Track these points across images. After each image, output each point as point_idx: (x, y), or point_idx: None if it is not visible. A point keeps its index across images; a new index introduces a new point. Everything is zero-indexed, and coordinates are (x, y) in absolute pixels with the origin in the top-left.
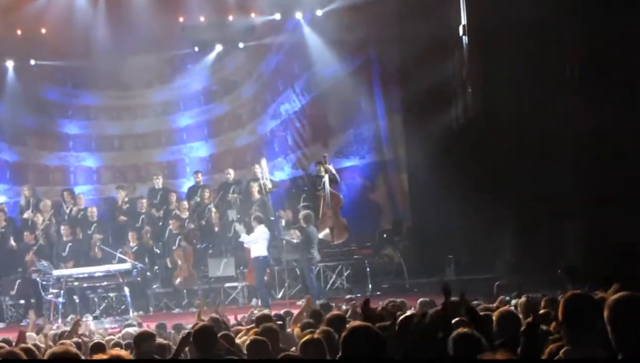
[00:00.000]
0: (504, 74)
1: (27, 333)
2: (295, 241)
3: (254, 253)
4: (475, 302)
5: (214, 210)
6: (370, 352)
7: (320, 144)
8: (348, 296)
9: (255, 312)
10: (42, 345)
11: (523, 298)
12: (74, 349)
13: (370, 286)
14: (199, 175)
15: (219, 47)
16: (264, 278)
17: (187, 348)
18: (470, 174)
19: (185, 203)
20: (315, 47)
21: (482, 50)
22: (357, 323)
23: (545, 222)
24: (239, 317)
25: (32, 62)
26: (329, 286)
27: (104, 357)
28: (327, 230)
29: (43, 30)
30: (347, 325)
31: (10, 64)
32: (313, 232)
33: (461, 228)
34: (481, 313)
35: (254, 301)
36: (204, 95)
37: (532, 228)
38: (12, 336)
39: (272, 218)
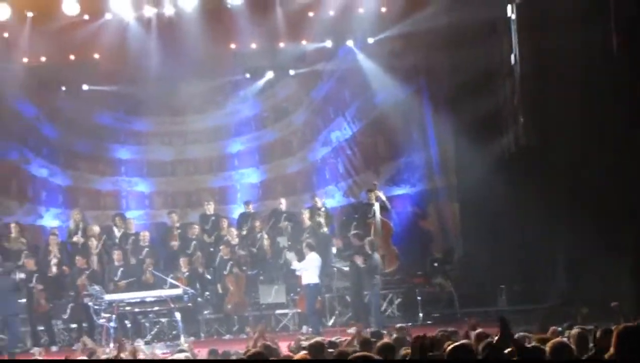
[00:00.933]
0: (556, 102)
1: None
2: (346, 269)
3: (305, 280)
4: (523, 333)
5: (265, 237)
6: None
7: (371, 171)
8: (399, 325)
9: (303, 338)
10: None
11: (575, 330)
12: None
13: (420, 315)
14: (250, 205)
15: (270, 74)
16: (315, 306)
17: None
18: (522, 203)
19: (234, 230)
20: (366, 74)
21: (533, 79)
22: (359, 354)
23: (600, 253)
24: (292, 343)
25: (85, 87)
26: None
27: None
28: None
29: (96, 56)
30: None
31: (63, 89)
32: (378, 259)
33: (513, 257)
34: (533, 344)
35: (304, 328)
36: (255, 121)
37: (586, 258)
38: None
39: (332, 249)
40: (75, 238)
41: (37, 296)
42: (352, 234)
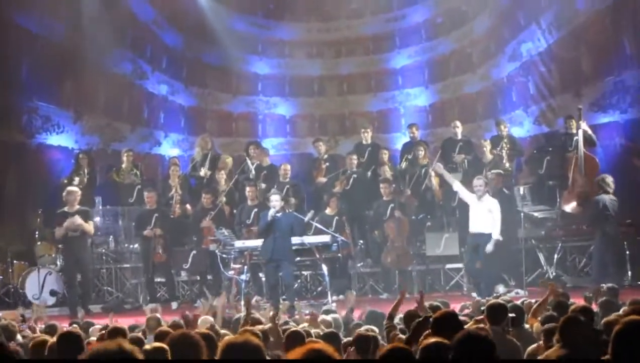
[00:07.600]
0: None
1: (203, 317)
2: (536, 214)
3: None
4: None
5: (432, 174)
6: None
7: (571, 93)
8: (606, 285)
9: (483, 301)
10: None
11: None
12: (255, 340)
13: (629, 273)
14: (414, 129)
15: None
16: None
17: None
18: None
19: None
20: None
21: None
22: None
23: None
24: (459, 305)
25: None
26: (577, 270)
27: (302, 350)
28: (574, 203)
29: None
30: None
31: None
32: (607, 201)
33: None
34: None
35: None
36: (425, 29)
37: None
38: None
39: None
40: (201, 172)
41: (155, 242)
42: (544, 171)
